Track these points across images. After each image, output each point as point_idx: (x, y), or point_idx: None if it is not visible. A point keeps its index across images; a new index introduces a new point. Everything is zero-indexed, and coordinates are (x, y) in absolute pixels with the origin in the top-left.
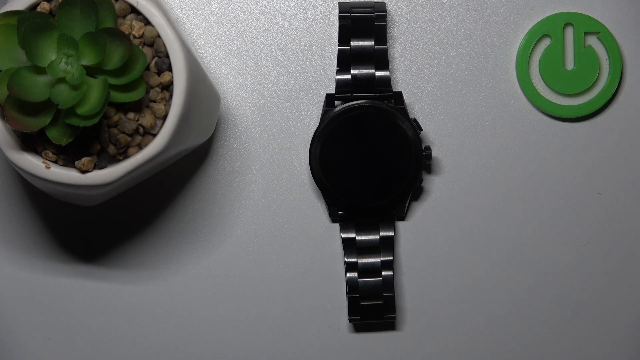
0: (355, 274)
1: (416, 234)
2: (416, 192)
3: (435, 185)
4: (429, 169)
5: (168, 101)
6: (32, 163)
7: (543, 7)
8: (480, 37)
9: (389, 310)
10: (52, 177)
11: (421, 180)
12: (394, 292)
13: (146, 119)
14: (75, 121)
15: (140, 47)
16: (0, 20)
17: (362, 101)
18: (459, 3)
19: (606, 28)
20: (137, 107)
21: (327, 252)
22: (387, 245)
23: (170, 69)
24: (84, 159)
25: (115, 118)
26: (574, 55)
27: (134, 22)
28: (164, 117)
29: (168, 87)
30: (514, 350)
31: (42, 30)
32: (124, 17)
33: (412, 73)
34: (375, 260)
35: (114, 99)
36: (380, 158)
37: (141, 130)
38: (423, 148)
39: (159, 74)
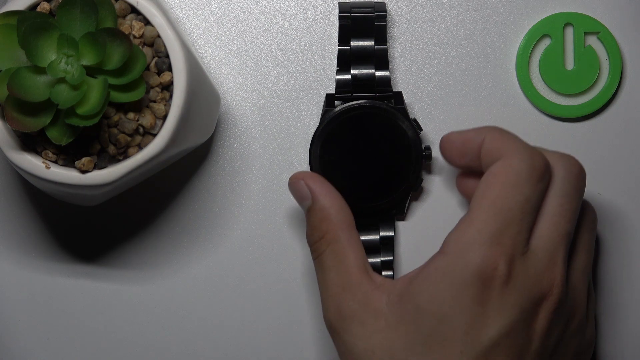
0: None
1: (416, 234)
2: (416, 192)
3: (435, 185)
4: (429, 169)
5: (168, 101)
6: (32, 163)
7: (543, 7)
8: (480, 37)
9: None
10: (52, 177)
11: (421, 180)
12: None
13: (146, 119)
14: (75, 121)
15: (140, 47)
16: (0, 20)
17: (362, 101)
18: (459, 3)
19: (606, 28)
20: (137, 107)
21: None
22: (387, 245)
23: (170, 69)
24: (84, 159)
25: (115, 118)
26: (574, 55)
27: (134, 22)
28: (164, 117)
29: (168, 87)
30: None
31: (42, 30)
32: (124, 17)
33: (412, 73)
34: (375, 260)
35: (114, 99)
36: (380, 158)
37: (141, 130)
38: (423, 148)
39: (159, 74)
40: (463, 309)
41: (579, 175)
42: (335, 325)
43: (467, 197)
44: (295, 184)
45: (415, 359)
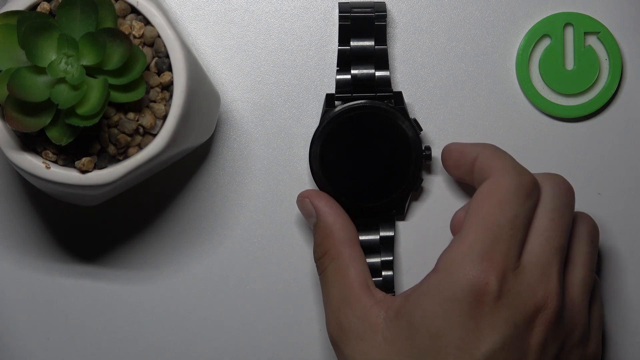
0: None
1: (416, 234)
2: (416, 192)
3: (435, 185)
4: (429, 169)
5: (168, 101)
6: (32, 163)
7: (543, 7)
8: (480, 37)
9: None
10: (52, 177)
11: (421, 180)
12: (394, 292)
13: (146, 119)
14: (75, 121)
15: (140, 47)
16: (0, 20)
17: (362, 101)
18: (459, 3)
19: (606, 28)
20: (137, 107)
21: None
22: (387, 245)
23: (170, 69)
24: (84, 159)
25: (115, 118)
26: (574, 55)
27: (134, 22)
28: (164, 117)
29: (168, 87)
30: None
31: (42, 30)
32: (124, 17)
33: (412, 73)
34: (375, 260)
35: (114, 99)
36: (380, 158)
37: (141, 130)
38: (423, 148)
39: (159, 74)
40: (455, 325)
41: (567, 191)
42: (336, 339)
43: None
44: (301, 202)
45: None
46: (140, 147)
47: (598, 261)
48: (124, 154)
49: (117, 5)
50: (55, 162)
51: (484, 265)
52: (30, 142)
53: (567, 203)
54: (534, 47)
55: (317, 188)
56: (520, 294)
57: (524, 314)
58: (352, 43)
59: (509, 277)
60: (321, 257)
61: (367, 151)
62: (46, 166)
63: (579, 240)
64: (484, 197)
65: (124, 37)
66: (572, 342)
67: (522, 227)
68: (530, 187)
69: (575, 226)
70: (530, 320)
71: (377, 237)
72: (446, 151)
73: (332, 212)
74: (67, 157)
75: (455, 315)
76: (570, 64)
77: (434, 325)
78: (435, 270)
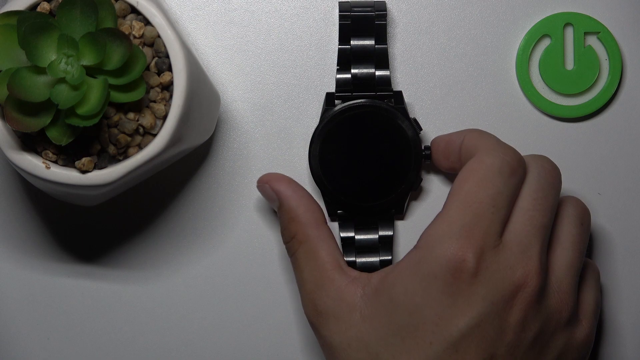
0: None
1: (415, 233)
2: (415, 191)
3: (435, 185)
4: (428, 169)
5: (168, 101)
6: (32, 163)
7: (543, 7)
8: (480, 37)
9: None
10: (52, 177)
11: (421, 180)
12: None
13: (146, 119)
14: (75, 121)
15: (140, 47)
16: (0, 20)
17: (362, 100)
18: (459, 3)
19: (606, 28)
20: (137, 107)
21: None
22: (386, 244)
23: (170, 69)
24: (84, 159)
25: (115, 118)
26: (574, 55)
27: (134, 22)
28: (164, 117)
29: (168, 87)
30: None
31: (42, 30)
32: (124, 17)
33: (412, 73)
34: (374, 259)
35: (114, 99)
36: (380, 157)
37: (141, 130)
38: (423, 148)
39: (159, 74)
40: (433, 301)
41: (552, 171)
42: (313, 321)
43: None
44: (261, 187)
45: (388, 350)
46: (140, 147)
47: (598, 260)
48: (124, 154)
49: (117, 5)
50: (55, 162)
51: (463, 242)
52: (30, 142)
53: (552, 183)
54: (534, 47)
55: (316, 187)
56: (499, 271)
57: (502, 292)
58: (352, 42)
59: (487, 254)
60: (289, 241)
61: (367, 150)
62: (46, 166)
63: (568, 221)
64: (467, 175)
65: (124, 37)
66: (558, 324)
67: (505, 205)
68: (515, 165)
69: (564, 208)
70: (508, 298)
71: (376, 236)
72: (434, 144)
73: (294, 195)
74: (67, 157)
75: (433, 291)
76: (570, 64)
77: (412, 301)
78: (416, 247)
